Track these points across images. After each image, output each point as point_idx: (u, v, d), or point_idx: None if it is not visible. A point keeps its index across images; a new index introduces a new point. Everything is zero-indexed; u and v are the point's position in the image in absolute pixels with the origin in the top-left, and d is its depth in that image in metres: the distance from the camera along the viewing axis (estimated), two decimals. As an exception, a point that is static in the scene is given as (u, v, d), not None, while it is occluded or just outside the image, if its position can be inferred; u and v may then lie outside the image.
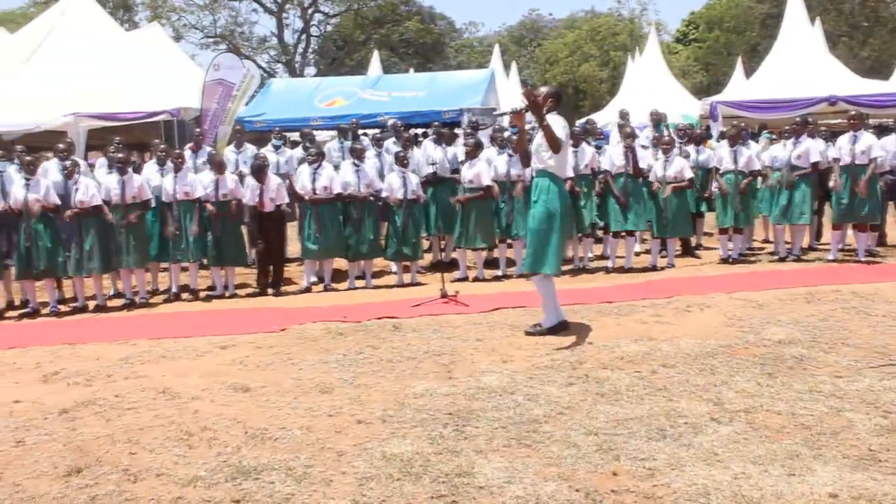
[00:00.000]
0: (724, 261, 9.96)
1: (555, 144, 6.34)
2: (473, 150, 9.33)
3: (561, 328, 6.64)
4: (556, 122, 6.43)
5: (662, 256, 9.98)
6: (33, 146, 11.38)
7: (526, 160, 6.94)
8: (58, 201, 8.73)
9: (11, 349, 7.16)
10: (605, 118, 21.61)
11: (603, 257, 10.28)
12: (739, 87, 20.50)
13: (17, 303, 9.41)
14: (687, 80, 34.77)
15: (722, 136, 12.53)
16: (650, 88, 23.12)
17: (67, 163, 9.11)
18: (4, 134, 12.72)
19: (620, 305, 7.64)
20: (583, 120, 12.45)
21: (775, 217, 9.87)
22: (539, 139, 6.51)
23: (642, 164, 9.75)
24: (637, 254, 10.42)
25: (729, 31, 42.86)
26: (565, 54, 42.88)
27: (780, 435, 4.23)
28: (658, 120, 12.09)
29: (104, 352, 6.85)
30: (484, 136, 10.62)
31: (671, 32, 49.93)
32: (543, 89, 6.72)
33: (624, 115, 12.66)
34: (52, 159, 10.06)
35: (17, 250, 8.63)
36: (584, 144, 9.76)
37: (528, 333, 6.62)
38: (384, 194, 9.34)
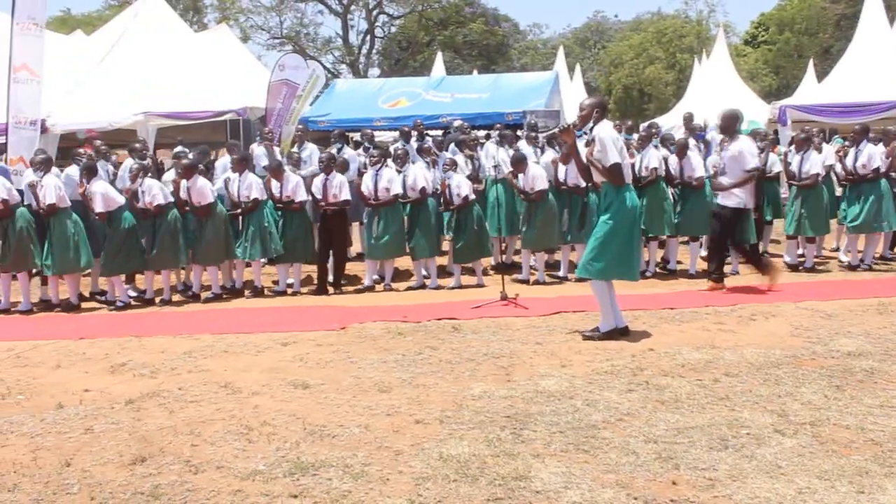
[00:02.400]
0: (791, 268, 9.71)
1: (585, 174, 6.73)
2: (518, 165, 9.26)
3: (620, 334, 6.57)
4: (605, 131, 6.46)
5: (727, 263, 9.77)
6: (109, 144, 11.73)
7: (586, 174, 6.89)
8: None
9: (82, 339, 7.39)
10: (670, 121, 21.27)
11: (665, 262, 10.12)
12: (811, 91, 19.97)
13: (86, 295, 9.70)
14: (755, 84, 34.02)
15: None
16: (717, 92, 22.68)
17: (135, 165, 9.37)
18: (80, 132, 13.13)
19: (682, 312, 7.51)
20: (646, 123, 12.27)
21: (854, 226, 9.54)
22: (595, 153, 6.47)
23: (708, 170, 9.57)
24: (703, 258, 10.24)
25: (801, 33, 41.76)
26: (630, 56, 42.37)
27: (849, 450, 4.09)
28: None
29: (169, 345, 7.02)
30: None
31: (740, 34, 48.92)
32: (587, 101, 6.73)
33: (688, 119, 12.45)
34: (128, 157, 10.36)
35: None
36: (651, 148, 9.58)
37: (586, 338, 6.56)
38: (454, 192, 9.33)
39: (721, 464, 3.96)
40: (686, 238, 9.96)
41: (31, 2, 11.45)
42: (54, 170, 9.14)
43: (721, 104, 16.72)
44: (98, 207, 8.78)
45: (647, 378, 5.43)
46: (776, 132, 15.15)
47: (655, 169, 9.37)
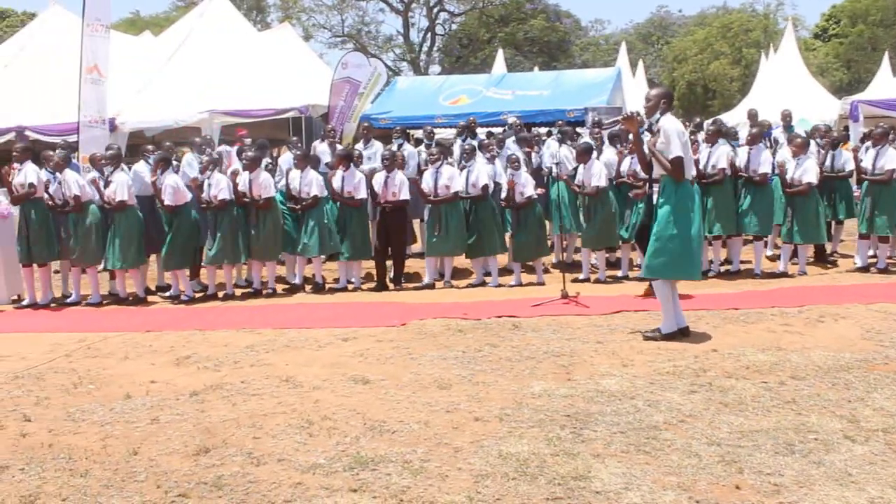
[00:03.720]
0: (863, 269, 9.41)
1: (646, 166, 6.57)
2: (583, 156, 9.16)
3: (681, 335, 6.45)
4: (670, 123, 6.31)
5: (794, 263, 9.54)
6: (177, 142, 12.03)
7: (646, 166, 6.76)
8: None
9: (148, 332, 7.58)
10: (735, 118, 20.83)
11: (728, 262, 9.90)
12: (885, 85, 19.33)
13: (153, 288, 9.93)
14: (825, 79, 33.07)
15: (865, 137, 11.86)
16: (785, 87, 22.13)
17: (204, 158, 9.54)
18: (147, 130, 13.48)
19: (747, 313, 7.33)
20: (710, 120, 12.05)
21: None
22: (658, 144, 6.35)
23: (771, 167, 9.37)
24: (770, 259, 10.02)
25: (875, 25, 40.42)
26: (694, 52, 41.56)
27: (924, 458, 3.95)
28: (789, 120, 11.62)
29: (232, 339, 7.14)
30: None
31: (809, 28, 47.65)
32: (653, 91, 6.60)
33: (752, 115, 12.19)
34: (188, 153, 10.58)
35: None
36: (719, 145, 9.37)
37: (647, 338, 6.45)
38: (518, 190, 9.28)
39: (787, 469, 3.86)
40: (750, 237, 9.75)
41: (99, 4, 11.80)
42: (123, 166, 9.35)
43: (788, 100, 16.38)
44: (167, 200, 8.98)
45: (710, 379, 5.33)
46: (846, 129, 14.73)
47: (724, 169, 9.17)
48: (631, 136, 7.16)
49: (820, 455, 4.01)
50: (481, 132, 12.57)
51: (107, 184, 9.03)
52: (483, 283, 9.46)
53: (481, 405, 4.96)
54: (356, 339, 6.90)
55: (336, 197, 9.48)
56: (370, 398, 5.20)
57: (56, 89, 14.05)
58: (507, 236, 9.83)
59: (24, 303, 9.32)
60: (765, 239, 9.82)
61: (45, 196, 9.17)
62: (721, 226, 9.21)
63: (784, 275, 9.25)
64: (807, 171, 9.14)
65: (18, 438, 4.71)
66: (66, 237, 9.13)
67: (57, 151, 9.53)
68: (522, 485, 3.78)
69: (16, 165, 9.43)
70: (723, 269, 9.63)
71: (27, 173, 8.99)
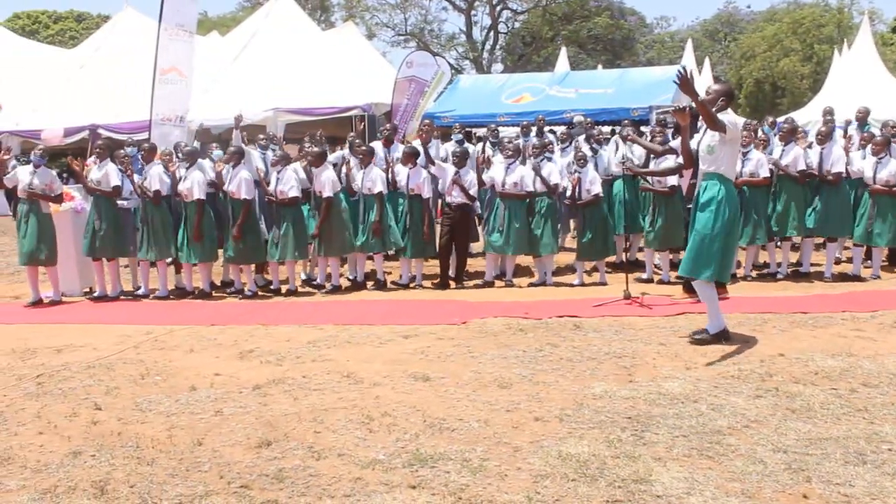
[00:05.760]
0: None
1: (713, 124, 5.94)
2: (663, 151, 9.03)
3: (725, 337, 6.30)
4: (725, 117, 6.11)
5: (867, 266, 9.24)
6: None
7: (689, 161, 6.60)
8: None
9: (213, 326, 7.73)
10: (806, 117, 20.27)
11: (798, 264, 9.65)
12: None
13: (218, 283, 10.12)
14: (903, 75, 31.95)
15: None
16: (859, 84, 21.40)
17: (280, 153, 9.65)
18: (213, 128, 13.76)
19: (817, 317, 7.12)
20: (782, 118, 11.75)
21: None
22: (707, 138, 6.20)
23: (852, 167, 9.11)
24: (838, 262, 9.72)
25: (957, 19, 38.87)
26: (763, 49, 40.57)
27: None
28: (865, 118, 11.28)
29: (294, 334, 7.23)
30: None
31: (887, 22, 46.03)
32: (715, 87, 6.42)
33: (827, 113, 11.85)
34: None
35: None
36: (794, 145, 9.13)
37: (695, 341, 6.30)
38: (584, 188, 9.20)
39: (858, 479, 3.73)
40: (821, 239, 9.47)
41: (181, 10, 12.10)
42: (199, 164, 9.53)
43: (862, 98, 15.85)
44: (244, 194, 9.11)
45: (776, 384, 5.20)
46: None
47: (804, 171, 8.93)
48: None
49: (894, 466, 3.87)
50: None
51: (179, 180, 9.26)
52: (544, 283, 9.40)
53: (541, 405, 4.93)
54: (417, 337, 6.93)
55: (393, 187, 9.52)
56: (430, 395, 5.22)
57: (128, 89, 14.45)
58: (568, 236, 9.75)
59: (95, 295, 9.61)
60: (837, 241, 9.52)
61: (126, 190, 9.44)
62: (793, 227, 8.97)
63: (857, 278, 8.97)
64: None
65: (90, 426, 4.86)
66: (140, 231, 9.35)
67: (147, 145, 9.79)
68: (582, 486, 3.74)
69: (89, 162, 9.71)
70: (790, 270, 9.39)
71: (109, 173, 9.26)
